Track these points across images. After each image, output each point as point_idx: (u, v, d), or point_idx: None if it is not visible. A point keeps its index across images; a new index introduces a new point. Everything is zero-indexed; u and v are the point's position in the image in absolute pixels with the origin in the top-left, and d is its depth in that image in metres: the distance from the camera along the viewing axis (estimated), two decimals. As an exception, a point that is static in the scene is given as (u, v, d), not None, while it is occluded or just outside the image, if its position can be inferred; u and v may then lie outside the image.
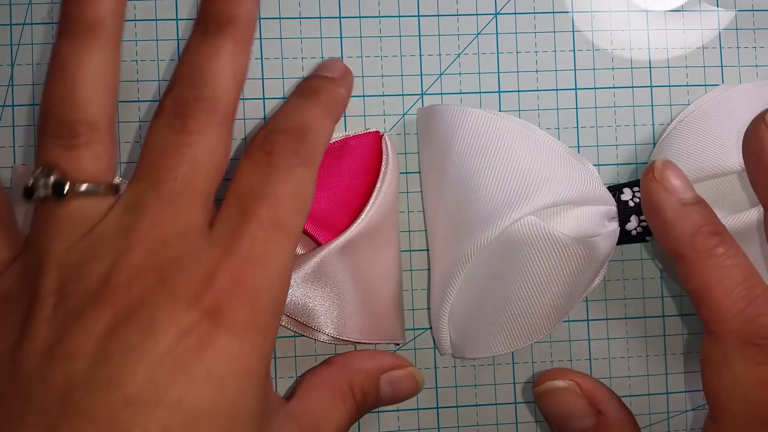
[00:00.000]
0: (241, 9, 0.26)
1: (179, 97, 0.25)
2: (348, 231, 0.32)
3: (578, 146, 0.37)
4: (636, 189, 0.34)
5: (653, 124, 0.38)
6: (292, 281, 0.32)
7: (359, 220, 0.32)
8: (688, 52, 0.38)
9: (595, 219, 0.32)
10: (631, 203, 0.34)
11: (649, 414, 0.38)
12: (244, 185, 0.25)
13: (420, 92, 0.37)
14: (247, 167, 0.26)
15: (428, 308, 0.36)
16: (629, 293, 0.38)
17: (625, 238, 0.34)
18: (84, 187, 0.24)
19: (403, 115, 0.37)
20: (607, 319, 0.38)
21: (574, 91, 0.37)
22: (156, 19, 0.36)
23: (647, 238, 0.34)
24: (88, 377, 0.20)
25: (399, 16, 0.37)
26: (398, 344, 0.36)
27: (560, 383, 0.32)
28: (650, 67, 0.38)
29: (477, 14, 0.37)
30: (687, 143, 0.34)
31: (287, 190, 0.25)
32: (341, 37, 0.36)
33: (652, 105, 0.38)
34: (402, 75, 0.37)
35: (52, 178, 0.24)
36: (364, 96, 0.36)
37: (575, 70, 0.37)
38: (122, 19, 0.27)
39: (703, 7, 0.38)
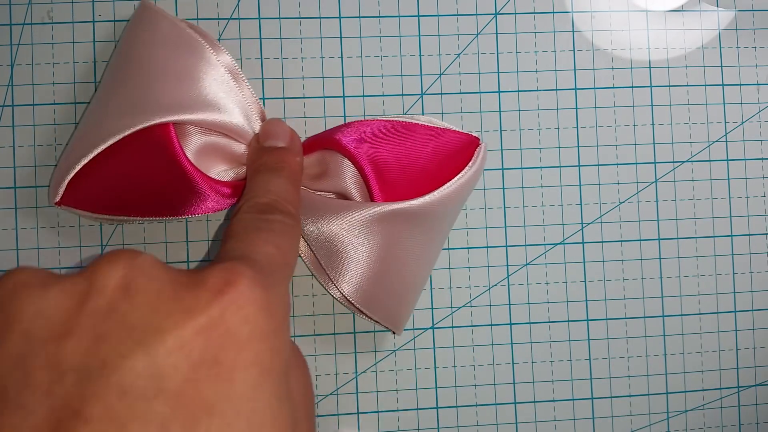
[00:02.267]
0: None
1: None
2: (408, 202, 0.32)
3: (578, 146, 0.37)
4: None
5: (653, 124, 0.38)
6: (342, 220, 0.32)
7: (424, 198, 0.32)
8: (687, 52, 0.38)
9: None
10: None
11: (649, 414, 0.38)
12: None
13: (420, 92, 0.37)
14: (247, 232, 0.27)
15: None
16: (629, 293, 0.38)
17: None
18: None
19: (403, 115, 0.36)
20: (606, 319, 0.38)
21: (573, 91, 0.37)
22: (156, 19, 0.36)
23: None
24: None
25: (399, 16, 0.37)
26: (395, 334, 0.35)
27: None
28: (650, 67, 0.38)
29: (477, 14, 0.37)
30: None
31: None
32: (341, 37, 0.36)
33: (652, 105, 0.38)
34: (402, 75, 0.37)
35: None
36: (364, 96, 0.36)
37: (575, 70, 0.37)
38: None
39: (703, 7, 0.38)
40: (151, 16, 0.32)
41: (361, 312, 0.33)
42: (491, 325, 0.37)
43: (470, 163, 0.34)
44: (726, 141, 0.38)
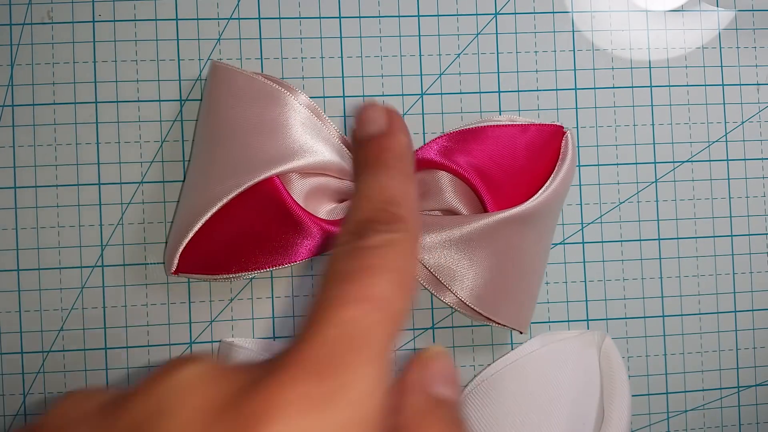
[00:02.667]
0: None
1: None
2: (520, 206, 0.32)
3: (578, 146, 0.37)
4: None
5: (653, 124, 0.38)
6: (449, 237, 0.32)
7: (533, 198, 0.32)
8: (687, 52, 0.38)
9: None
10: None
11: (649, 414, 0.38)
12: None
13: (420, 92, 0.37)
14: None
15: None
16: (629, 293, 0.38)
17: None
18: None
19: (403, 115, 0.37)
20: (606, 319, 0.38)
21: (573, 91, 0.37)
22: (156, 19, 0.36)
23: None
24: None
25: (399, 16, 0.37)
26: (521, 333, 0.35)
27: None
28: (650, 67, 0.38)
29: (477, 14, 0.37)
30: (478, 415, 0.34)
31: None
32: (341, 37, 0.36)
33: (652, 105, 0.38)
34: (402, 75, 0.37)
35: None
36: (363, 96, 0.36)
37: (575, 70, 0.37)
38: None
39: (703, 7, 0.38)
40: (227, 76, 0.33)
41: (486, 318, 0.34)
42: (491, 325, 0.37)
43: (561, 155, 0.34)
44: (726, 141, 0.38)
